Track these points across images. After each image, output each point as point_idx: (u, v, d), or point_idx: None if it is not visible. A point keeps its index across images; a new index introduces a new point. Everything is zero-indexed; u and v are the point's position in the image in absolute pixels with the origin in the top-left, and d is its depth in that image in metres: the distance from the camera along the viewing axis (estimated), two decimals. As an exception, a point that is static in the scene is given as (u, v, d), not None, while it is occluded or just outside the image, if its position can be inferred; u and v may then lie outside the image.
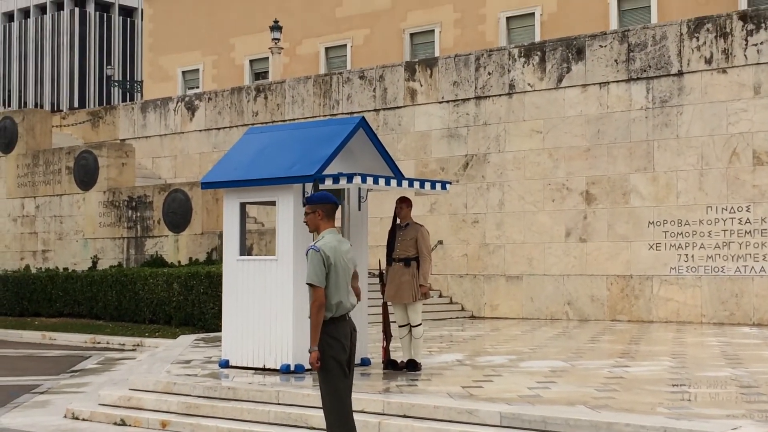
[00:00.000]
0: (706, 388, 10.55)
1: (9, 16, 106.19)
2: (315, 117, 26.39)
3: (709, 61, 20.62)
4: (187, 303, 20.08)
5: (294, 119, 26.90)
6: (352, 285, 7.08)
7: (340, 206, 10.99)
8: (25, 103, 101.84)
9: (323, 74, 27.44)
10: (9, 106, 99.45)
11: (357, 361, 12.48)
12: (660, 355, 14.13)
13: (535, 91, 22.76)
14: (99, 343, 19.91)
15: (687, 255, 20.59)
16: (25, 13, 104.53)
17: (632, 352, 14.58)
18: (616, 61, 21.68)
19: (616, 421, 8.28)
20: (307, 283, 6.86)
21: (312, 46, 38.19)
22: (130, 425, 10.79)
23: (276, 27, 36.15)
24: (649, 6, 30.64)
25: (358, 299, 7.17)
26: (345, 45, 37.36)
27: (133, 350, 18.65)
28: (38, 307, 23.81)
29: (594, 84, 21.94)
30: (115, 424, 10.90)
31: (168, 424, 10.50)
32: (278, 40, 36.31)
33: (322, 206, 7.16)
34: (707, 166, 20.52)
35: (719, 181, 20.38)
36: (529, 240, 22.54)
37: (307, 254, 6.93)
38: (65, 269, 25.24)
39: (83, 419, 11.16)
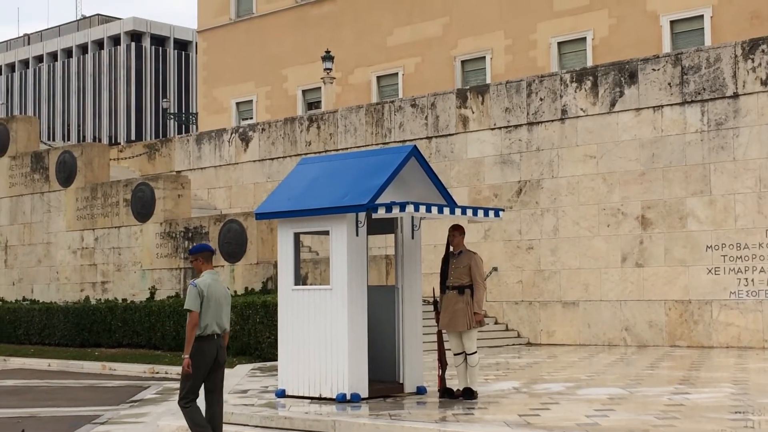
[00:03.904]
0: (769, 415, 10.35)
1: (68, 52, 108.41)
2: (367, 146, 26.50)
3: (765, 83, 20.38)
4: (244, 332, 20.21)
5: (347, 148, 27.05)
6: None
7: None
8: (84, 136, 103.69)
9: (375, 103, 27.59)
10: (68, 140, 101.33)
11: (412, 389, 12.58)
12: (721, 381, 13.90)
13: (587, 115, 22.65)
14: (158, 372, 20.09)
15: (747, 279, 20.27)
16: (83, 48, 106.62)
17: (692, 378, 14.36)
18: (669, 84, 21.52)
19: (676, 450, 8.16)
20: (185, 309, 9.40)
21: (364, 75, 38.46)
22: (188, 455, 10.85)
23: (328, 57, 36.47)
24: (703, 28, 30.44)
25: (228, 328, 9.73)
26: (396, 73, 37.58)
27: (190, 380, 18.78)
28: (98, 337, 24.12)
29: (648, 108, 21.78)
30: (173, 454, 10.98)
31: (225, 454, 10.54)
32: (330, 69, 36.61)
33: (201, 254, 9.68)
34: (766, 189, 20.22)
35: (778, 204, 20.06)
36: (584, 266, 22.36)
37: (188, 288, 9.46)
38: (124, 300, 25.56)
39: (142, 449, 11.26)
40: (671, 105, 21.48)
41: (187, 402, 9.37)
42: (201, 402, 9.58)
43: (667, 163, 21.42)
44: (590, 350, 20.56)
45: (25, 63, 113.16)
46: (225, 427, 11.20)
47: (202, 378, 9.42)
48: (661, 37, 31.00)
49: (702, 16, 30.57)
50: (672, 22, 31.05)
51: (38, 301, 28.75)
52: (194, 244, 9.71)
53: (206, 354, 9.36)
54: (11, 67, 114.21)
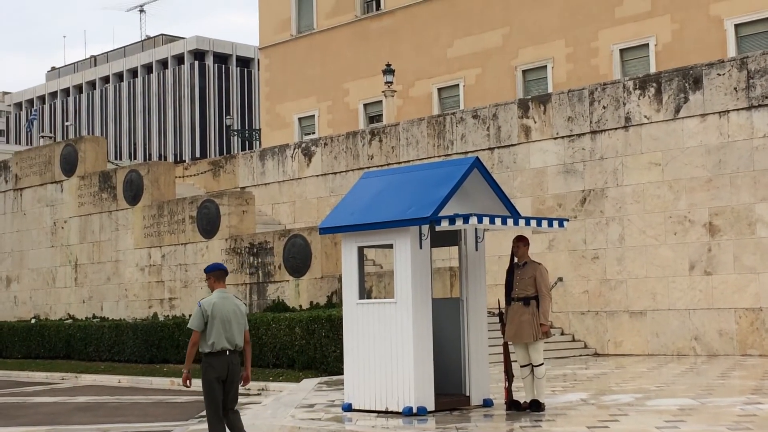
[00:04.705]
0: None
1: (133, 72, 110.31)
2: (430, 158, 26.50)
3: (834, 84, 19.93)
4: (310, 347, 20.30)
5: (409, 161, 27.07)
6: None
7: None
8: (150, 155, 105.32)
9: (436, 115, 27.58)
10: (135, 158, 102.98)
11: (479, 402, 12.54)
12: (795, 390, 13.60)
13: (652, 122, 22.38)
14: (225, 388, 20.24)
15: (820, 285, 19.80)
16: (148, 68, 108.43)
17: (766, 388, 14.08)
18: (735, 89, 21.17)
19: (750, 462, 8.00)
20: (188, 327, 10.06)
21: (424, 88, 38.49)
22: (256, 470, 10.93)
23: (388, 70, 36.57)
24: (768, 31, 29.90)
25: (246, 342, 10.16)
26: (457, 85, 37.53)
27: (258, 395, 18.93)
28: (166, 353, 24.41)
29: (713, 113, 21.45)
30: (242, 468, 11.03)
31: (293, 469, 10.60)
32: (391, 83, 36.71)
33: (213, 273, 10.14)
34: (837, 193, 19.76)
35: None
36: (651, 274, 22.06)
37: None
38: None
39: (211, 464, 11.32)
40: (737, 110, 21.13)
41: (209, 412, 9.94)
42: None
43: (734, 168, 21.06)
44: (659, 360, 20.26)
45: (92, 84, 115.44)
46: (292, 442, 11.27)
47: (219, 393, 9.87)
48: (726, 42, 30.51)
49: (767, 19, 30.04)
50: (736, 26, 30.54)
51: (108, 318, 29.25)
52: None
53: (216, 369, 9.80)
54: (79, 88, 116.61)
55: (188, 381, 9.85)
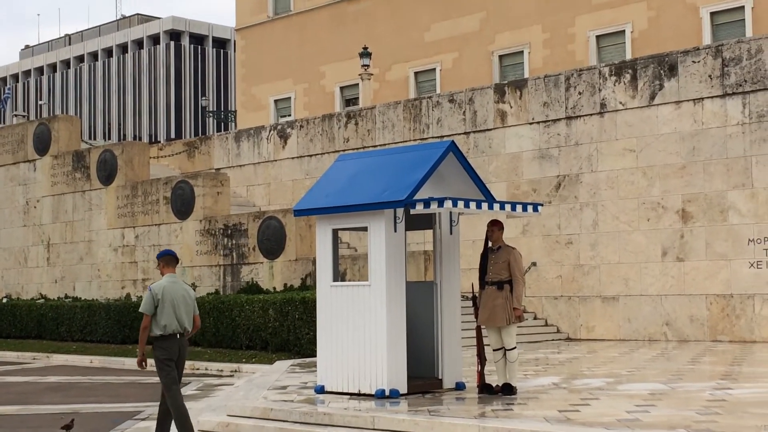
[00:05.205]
0: (813, 411, 10.21)
1: (108, 52, 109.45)
2: (405, 142, 26.50)
3: (807, 74, 20.07)
4: (283, 329, 20.29)
5: (385, 144, 27.04)
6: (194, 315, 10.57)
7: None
8: (125, 135, 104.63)
9: (413, 99, 27.56)
10: (109, 138, 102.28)
11: (451, 385, 12.59)
12: (764, 376, 13.75)
13: (627, 109, 22.47)
14: (198, 369, 20.24)
15: (790, 273, 19.99)
16: (123, 48, 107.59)
17: (735, 373, 14.21)
18: (710, 76, 21.28)
19: (718, 446, 8.08)
20: (140, 311, 10.46)
21: (401, 71, 38.43)
22: (228, 451, 10.93)
23: (365, 53, 36.48)
24: (744, 19, 30.06)
25: (197, 327, 10.66)
26: (434, 69, 37.51)
27: (230, 376, 18.92)
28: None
29: (688, 100, 21.57)
30: (214, 449, 11.05)
31: (265, 450, 10.60)
32: (368, 66, 36.61)
33: (162, 258, 10.57)
34: (809, 181, 19.93)
35: (822, 196, 19.77)
36: (624, 260, 22.20)
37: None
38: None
39: (183, 445, 11.31)
40: (712, 97, 21.25)
41: (170, 390, 10.33)
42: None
43: (707, 156, 21.19)
44: (630, 345, 20.41)
45: (66, 63, 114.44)
46: (265, 423, 11.29)
47: (173, 368, 10.40)
48: (701, 29, 30.66)
49: (743, 7, 30.21)
50: (712, 14, 30.69)
51: (80, 298, 29.09)
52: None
53: (169, 350, 10.33)
54: (53, 67, 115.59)
55: (144, 362, 10.46)
